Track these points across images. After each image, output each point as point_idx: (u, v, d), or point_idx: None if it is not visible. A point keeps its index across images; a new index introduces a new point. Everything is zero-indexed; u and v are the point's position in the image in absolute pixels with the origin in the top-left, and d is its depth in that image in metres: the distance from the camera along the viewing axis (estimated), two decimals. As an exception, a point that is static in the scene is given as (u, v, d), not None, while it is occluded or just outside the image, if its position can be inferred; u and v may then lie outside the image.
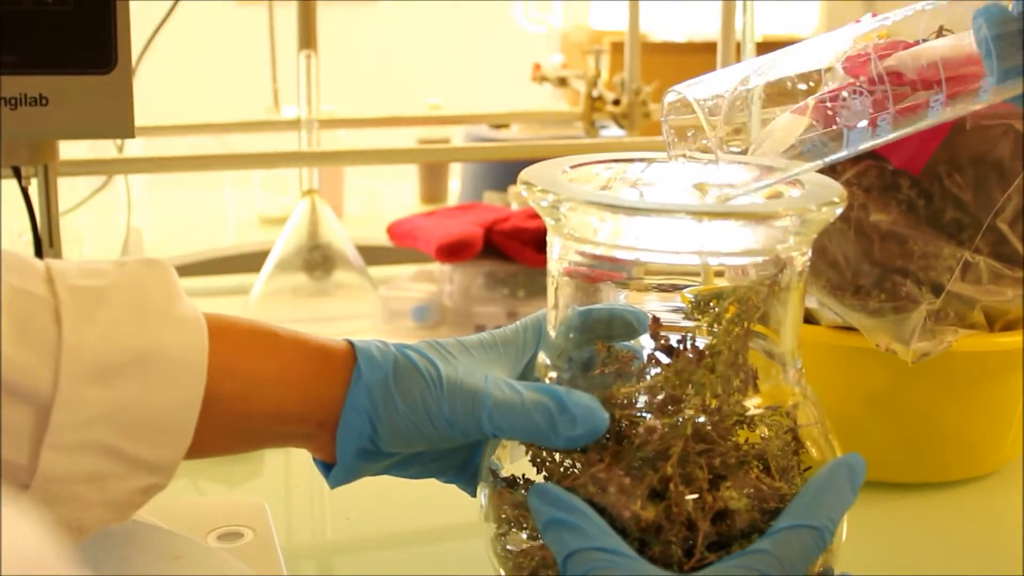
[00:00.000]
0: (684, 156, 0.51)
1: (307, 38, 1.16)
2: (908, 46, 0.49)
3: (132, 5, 0.67)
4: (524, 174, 0.50)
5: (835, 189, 0.49)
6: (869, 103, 0.47)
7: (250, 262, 1.17)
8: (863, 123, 0.48)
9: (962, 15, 0.47)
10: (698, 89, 0.49)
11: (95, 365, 0.43)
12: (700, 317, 0.49)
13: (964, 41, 0.47)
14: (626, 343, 0.52)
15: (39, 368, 0.42)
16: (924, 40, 0.49)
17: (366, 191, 1.74)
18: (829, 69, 0.50)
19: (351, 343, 0.50)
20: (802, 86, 0.50)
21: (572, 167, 0.53)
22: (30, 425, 0.42)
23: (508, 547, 0.50)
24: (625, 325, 0.52)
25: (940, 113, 0.48)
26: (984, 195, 0.64)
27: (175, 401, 0.44)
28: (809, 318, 0.68)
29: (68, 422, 0.42)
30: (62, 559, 0.25)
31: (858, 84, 0.48)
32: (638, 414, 0.48)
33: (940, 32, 0.50)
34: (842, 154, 0.49)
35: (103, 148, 1.11)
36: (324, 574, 0.65)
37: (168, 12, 1.13)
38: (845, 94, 0.48)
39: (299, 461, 0.73)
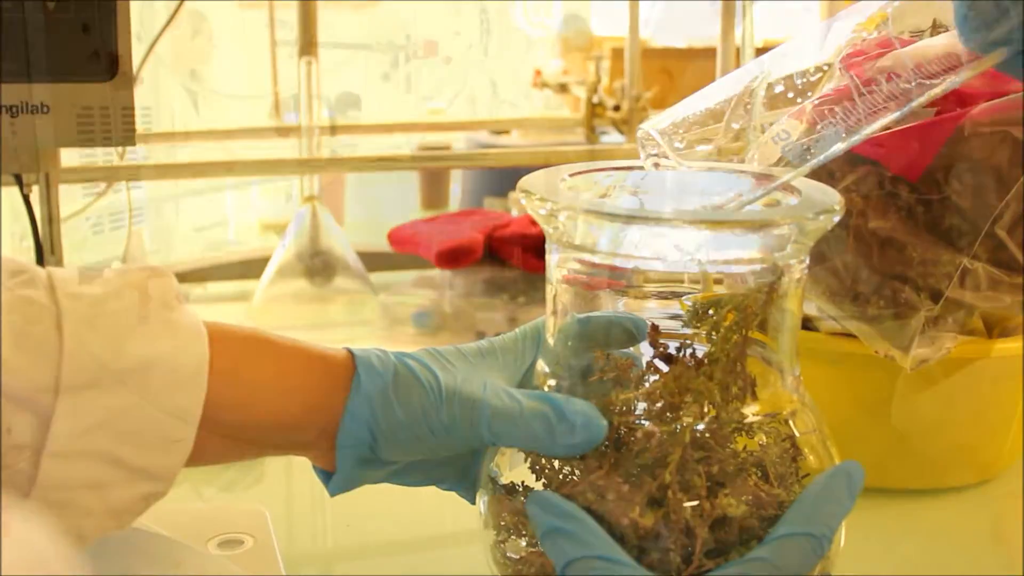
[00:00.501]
0: (656, 163, 0.52)
1: (308, 45, 1.16)
2: (905, 43, 0.49)
3: (133, 9, 0.67)
4: (523, 182, 0.50)
5: (833, 197, 0.49)
6: (843, 129, 0.48)
7: (251, 268, 1.17)
8: (839, 145, 0.48)
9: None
10: (665, 117, 0.51)
11: (95, 372, 0.43)
12: (698, 324, 0.49)
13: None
14: (625, 350, 0.52)
15: (40, 375, 0.42)
16: (913, 35, 0.49)
17: (367, 197, 1.74)
18: (828, 66, 0.50)
19: (351, 352, 0.50)
20: (799, 87, 0.50)
21: (571, 175, 0.53)
22: (30, 432, 0.42)
23: (508, 554, 0.51)
24: (624, 332, 0.52)
25: (921, 100, 0.48)
26: (982, 202, 0.64)
27: (175, 409, 0.44)
28: (808, 325, 0.68)
29: (68, 429, 0.42)
30: (66, 560, 0.25)
31: (832, 117, 0.48)
32: (637, 421, 0.48)
33: (935, 27, 0.50)
34: (820, 160, 0.49)
35: (104, 154, 1.11)
36: (324, 581, 0.65)
37: (170, 17, 1.13)
38: (819, 126, 0.48)
39: (299, 468, 0.73)
